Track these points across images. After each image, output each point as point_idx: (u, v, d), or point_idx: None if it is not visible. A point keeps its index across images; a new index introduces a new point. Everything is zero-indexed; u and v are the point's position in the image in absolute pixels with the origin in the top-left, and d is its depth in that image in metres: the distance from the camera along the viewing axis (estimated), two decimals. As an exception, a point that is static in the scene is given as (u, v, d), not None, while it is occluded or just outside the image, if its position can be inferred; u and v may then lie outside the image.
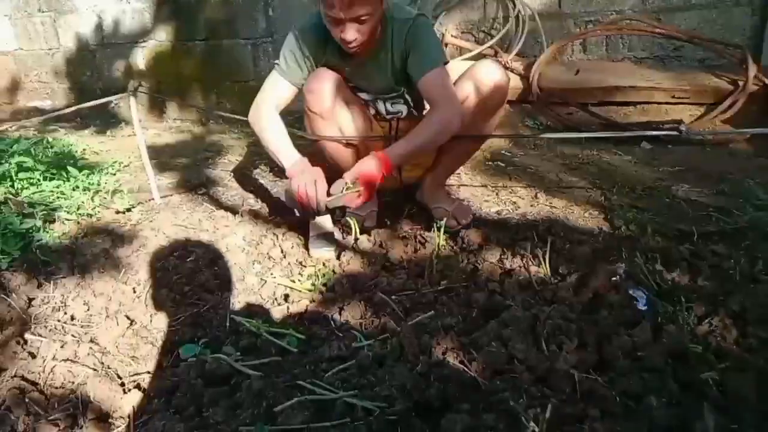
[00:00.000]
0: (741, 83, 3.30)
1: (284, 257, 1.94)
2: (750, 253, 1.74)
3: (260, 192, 2.62)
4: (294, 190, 1.80)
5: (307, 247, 1.97)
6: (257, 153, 3.18)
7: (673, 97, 3.46)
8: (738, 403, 1.14)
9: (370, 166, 1.79)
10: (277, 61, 1.99)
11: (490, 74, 1.94)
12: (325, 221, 1.95)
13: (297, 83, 1.99)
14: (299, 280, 1.80)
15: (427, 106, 2.17)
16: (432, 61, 1.86)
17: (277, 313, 1.65)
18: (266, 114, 1.96)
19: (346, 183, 1.80)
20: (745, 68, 3.34)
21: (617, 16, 3.98)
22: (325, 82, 1.92)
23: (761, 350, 1.30)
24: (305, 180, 1.78)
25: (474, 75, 1.96)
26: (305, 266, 1.88)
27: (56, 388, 1.35)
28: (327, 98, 1.94)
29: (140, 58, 4.68)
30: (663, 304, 1.50)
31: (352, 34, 1.73)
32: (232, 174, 2.91)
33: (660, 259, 1.73)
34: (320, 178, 1.80)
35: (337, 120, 2.01)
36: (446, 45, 4.49)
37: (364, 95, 2.11)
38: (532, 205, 2.30)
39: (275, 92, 1.99)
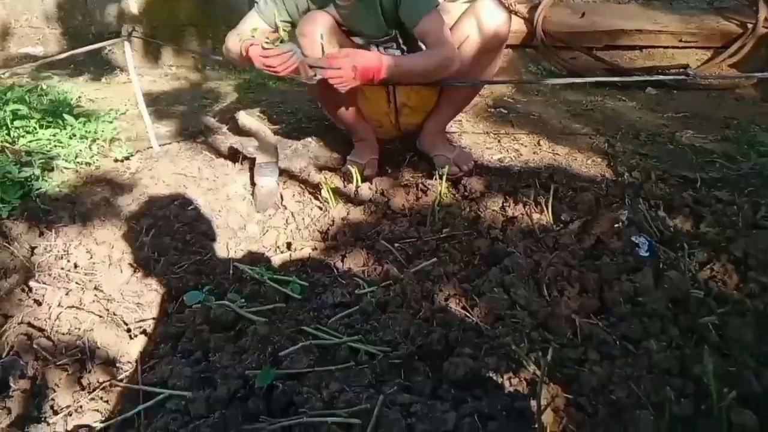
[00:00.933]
0: (750, 26, 3.22)
1: (285, 208, 1.93)
2: (753, 200, 1.74)
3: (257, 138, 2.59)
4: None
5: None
6: (255, 99, 3.12)
7: (680, 40, 3.38)
8: (737, 347, 1.16)
9: (369, 56, 1.76)
10: (256, 1, 1.98)
11: (491, 14, 1.90)
12: (268, 149, 1.99)
13: (271, 23, 1.97)
14: (299, 229, 1.80)
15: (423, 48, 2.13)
16: (426, 5, 1.81)
17: (280, 260, 1.66)
18: (234, 37, 1.96)
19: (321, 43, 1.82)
20: (755, 10, 3.25)
21: (625, -45, 3.84)
22: (318, 25, 1.87)
23: (761, 295, 1.32)
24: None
25: (475, 15, 1.91)
26: (304, 216, 1.88)
27: (63, 334, 1.37)
28: (320, 42, 1.89)
29: (133, 2, 4.53)
30: (665, 251, 1.50)
31: None
32: (230, 121, 2.87)
33: (663, 205, 1.73)
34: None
35: None
36: (447, -14, 4.35)
37: (357, 39, 2.06)
38: (534, 153, 2.28)
39: (245, 26, 1.98)
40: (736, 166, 2.03)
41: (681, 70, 3.20)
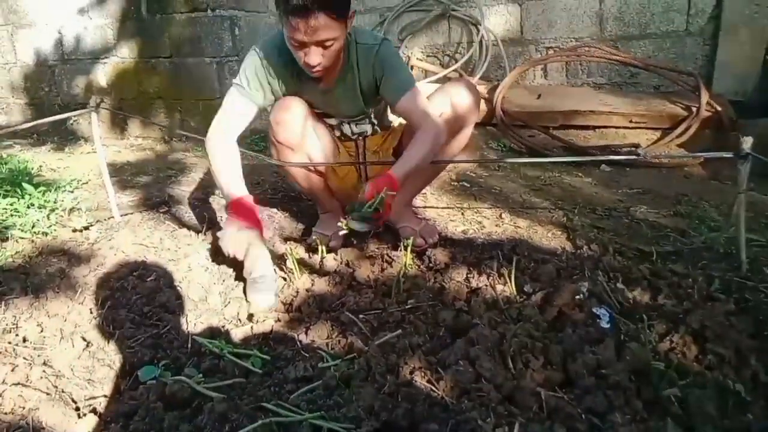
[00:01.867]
0: (694, 109, 3.44)
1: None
2: (706, 273, 1.79)
3: (223, 211, 2.58)
4: (224, 248, 1.77)
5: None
6: (221, 171, 3.14)
7: (631, 121, 3.57)
8: (699, 419, 1.17)
9: (388, 182, 1.75)
10: (236, 81, 1.91)
11: (461, 94, 1.99)
12: (266, 266, 1.80)
13: (259, 103, 1.93)
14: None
15: (392, 119, 2.20)
16: (407, 84, 1.88)
17: (241, 333, 1.61)
18: (221, 138, 1.90)
19: (368, 203, 1.70)
20: (697, 95, 3.48)
21: (577, 43, 4.11)
22: (293, 113, 1.92)
23: (720, 367, 1.34)
24: (236, 246, 1.76)
25: (447, 93, 1.99)
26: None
27: (5, 413, 1.29)
28: (295, 130, 1.95)
29: (102, 74, 4.59)
30: (625, 322, 1.52)
31: (316, 58, 1.69)
32: (195, 192, 2.86)
33: (621, 277, 1.77)
34: (255, 244, 1.79)
35: (306, 149, 2.03)
36: (412, 68, 4.55)
37: (331, 120, 2.12)
38: (497, 225, 2.33)
39: (235, 112, 1.92)
40: (689, 240, 2.11)
41: (632, 149, 3.37)
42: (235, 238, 1.77)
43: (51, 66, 4.79)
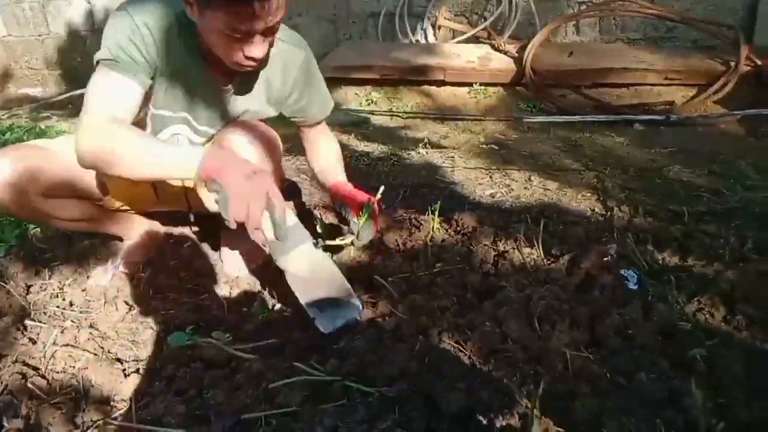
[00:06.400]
0: (733, 64, 3.32)
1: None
2: (739, 233, 1.77)
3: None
4: (238, 212, 1.18)
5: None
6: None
7: (666, 78, 3.48)
8: (726, 379, 1.17)
9: (356, 190, 1.63)
10: (104, 55, 1.33)
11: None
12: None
13: (145, 83, 1.37)
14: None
15: None
16: (329, 109, 1.73)
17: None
18: (111, 119, 1.29)
19: (359, 218, 1.55)
20: (737, 49, 3.35)
21: (610, -3, 3.98)
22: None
23: (748, 327, 1.33)
24: (254, 195, 1.18)
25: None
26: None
27: (57, 372, 1.37)
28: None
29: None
30: (653, 284, 1.52)
31: (262, 47, 1.31)
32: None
33: (651, 239, 1.76)
34: (273, 190, 1.23)
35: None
36: (439, 28, 4.49)
37: (174, 128, 1.56)
38: (525, 188, 2.32)
39: (122, 98, 1.34)
40: (723, 200, 2.07)
41: (665, 108, 3.29)
42: (251, 191, 1.18)
43: (83, 36, 4.86)
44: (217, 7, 1.20)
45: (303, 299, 1.40)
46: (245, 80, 1.52)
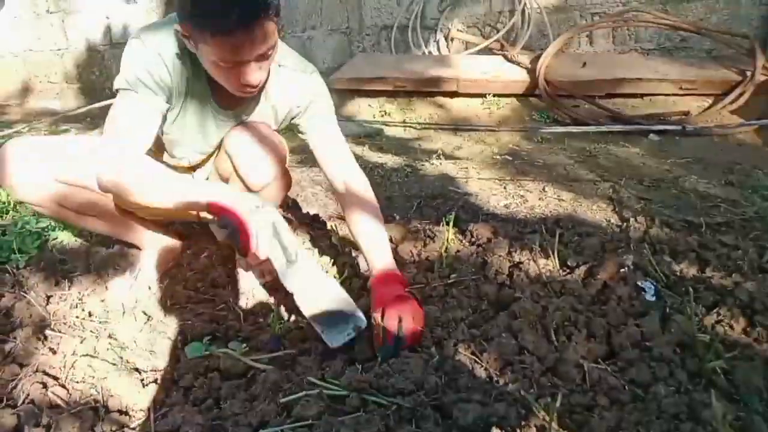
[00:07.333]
0: (749, 73, 3.30)
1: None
2: (758, 244, 1.75)
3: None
4: (244, 243, 1.28)
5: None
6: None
7: (681, 88, 3.46)
8: (746, 392, 1.16)
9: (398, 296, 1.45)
10: (123, 84, 1.40)
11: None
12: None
13: (162, 109, 1.45)
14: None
15: None
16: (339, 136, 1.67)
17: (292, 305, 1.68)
18: (134, 151, 1.39)
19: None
20: (752, 58, 3.34)
21: (624, 8, 3.98)
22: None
23: (768, 339, 1.32)
24: (260, 227, 1.28)
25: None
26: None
27: (77, 382, 1.39)
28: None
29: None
30: (671, 295, 1.51)
31: (259, 74, 1.35)
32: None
33: (668, 250, 1.75)
34: (278, 220, 1.34)
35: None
36: (452, 40, 4.51)
37: (177, 155, 1.67)
38: (540, 199, 2.32)
39: (143, 126, 1.42)
40: (740, 211, 2.06)
41: (680, 118, 3.27)
42: (257, 224, 1.28)
43: (101, 50, 4.95)
44: (206, 40, 1.27)
45: (308, 314, 1.43)
46: (252, 105, 1.60)
